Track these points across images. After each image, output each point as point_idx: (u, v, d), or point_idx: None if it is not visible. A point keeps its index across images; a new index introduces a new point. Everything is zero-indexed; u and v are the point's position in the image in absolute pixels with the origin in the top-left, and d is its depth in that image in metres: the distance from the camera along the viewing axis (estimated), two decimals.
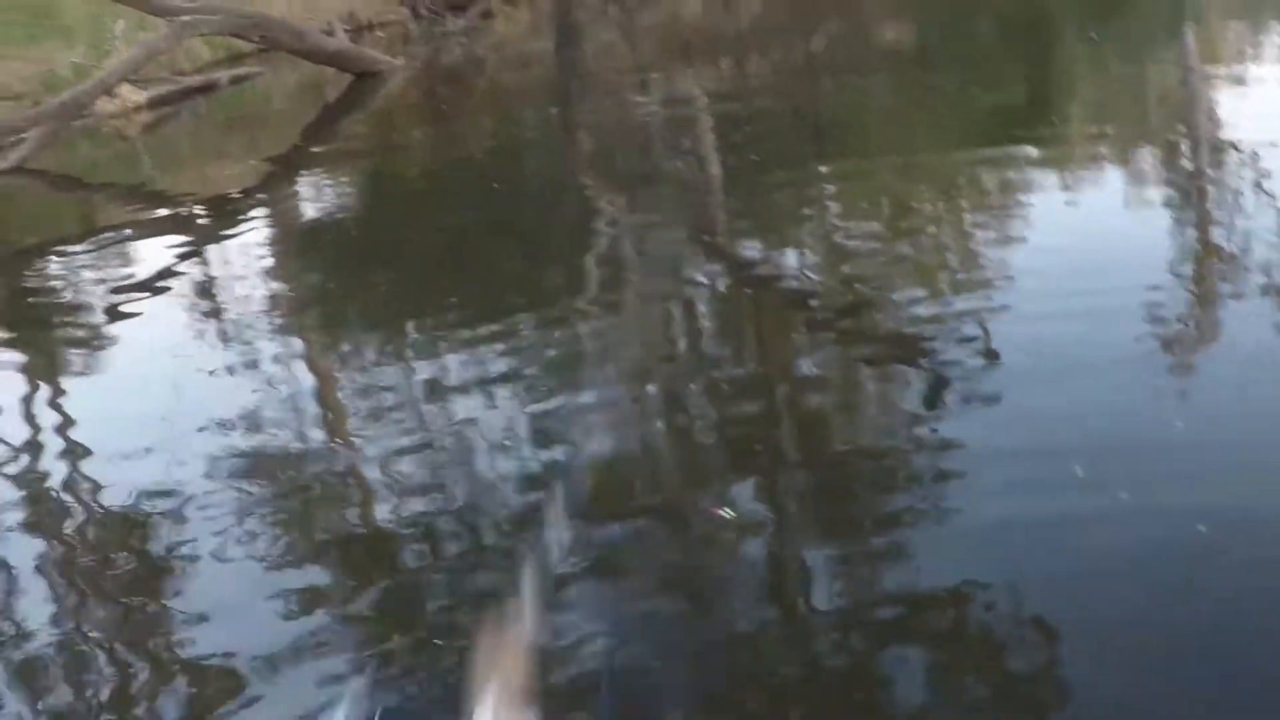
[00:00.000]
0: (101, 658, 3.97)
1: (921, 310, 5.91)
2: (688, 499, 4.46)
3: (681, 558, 4.12)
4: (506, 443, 5.01)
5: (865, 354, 5.61)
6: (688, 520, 4.31)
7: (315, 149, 12.46)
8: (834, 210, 7.99)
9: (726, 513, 4.23)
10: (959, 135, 9.69)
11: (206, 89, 16.16)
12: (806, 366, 5.68)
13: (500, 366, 5.87)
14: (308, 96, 15.93)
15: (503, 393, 5.56)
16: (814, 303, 6.45)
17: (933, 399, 4.93)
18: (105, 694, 3.75)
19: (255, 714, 3.49)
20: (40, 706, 3.73)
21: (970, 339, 5.43)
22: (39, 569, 4.67)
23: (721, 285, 6.91)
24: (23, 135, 12.92)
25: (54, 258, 9.66)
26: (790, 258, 7.26)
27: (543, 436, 5.05)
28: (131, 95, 15.18)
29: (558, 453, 4.88)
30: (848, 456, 4.69)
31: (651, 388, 5.56)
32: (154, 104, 15.46)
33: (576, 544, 3.85)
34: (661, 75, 14.16)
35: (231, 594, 4.20)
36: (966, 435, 4.54)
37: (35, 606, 4.33)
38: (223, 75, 16.61)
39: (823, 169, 8.90)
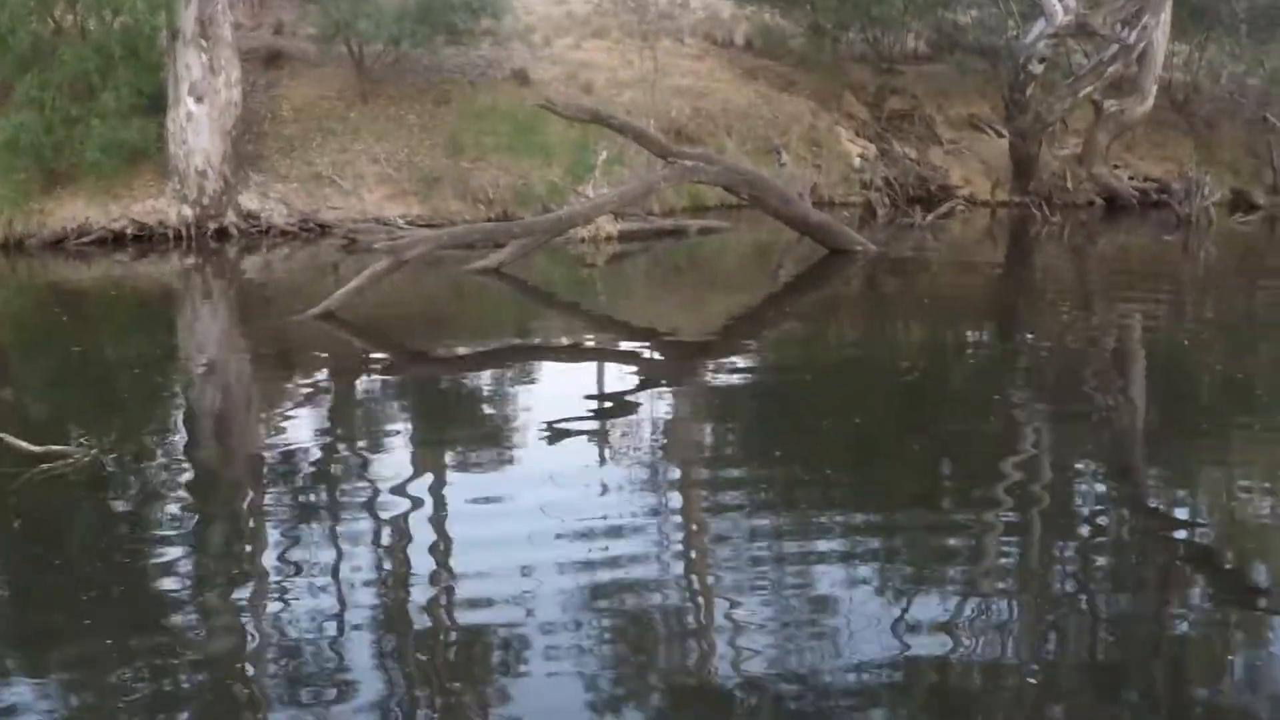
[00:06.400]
0: None
1: None
2: None
3: None
4: (864, 626, 5.24)
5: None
6: None
7: (765, 314, 12.96)
8: (1247, 471, 7.67)
9: None
10: None
11: (675, 233, 17.19)
12: (1177, 618, 5.61)
13: (872, 551, 6.12)
14: (763, 259, 16.63)
15: (867, 579, 5.79)
16: (1200, 559, 6.32)
17: None
18: None
19: None
20: None
21: None
22: (375, 648, 5.18)
23: (1119, 527, 6.83)
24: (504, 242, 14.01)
25: (491, 366, 10.56)
26: (1184, 512, 7.14)
27: (914, 630, 5.27)
28: (606, 225, 16.31)
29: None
30: None
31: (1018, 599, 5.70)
32: (624, 237, 16.58)
33: None
34: (1103, 303, 13.98)
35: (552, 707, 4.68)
36: None
37: (362, 685, 4.85)
38: (693, 224, 17.61)
39: (1246, 428, 8.52)
